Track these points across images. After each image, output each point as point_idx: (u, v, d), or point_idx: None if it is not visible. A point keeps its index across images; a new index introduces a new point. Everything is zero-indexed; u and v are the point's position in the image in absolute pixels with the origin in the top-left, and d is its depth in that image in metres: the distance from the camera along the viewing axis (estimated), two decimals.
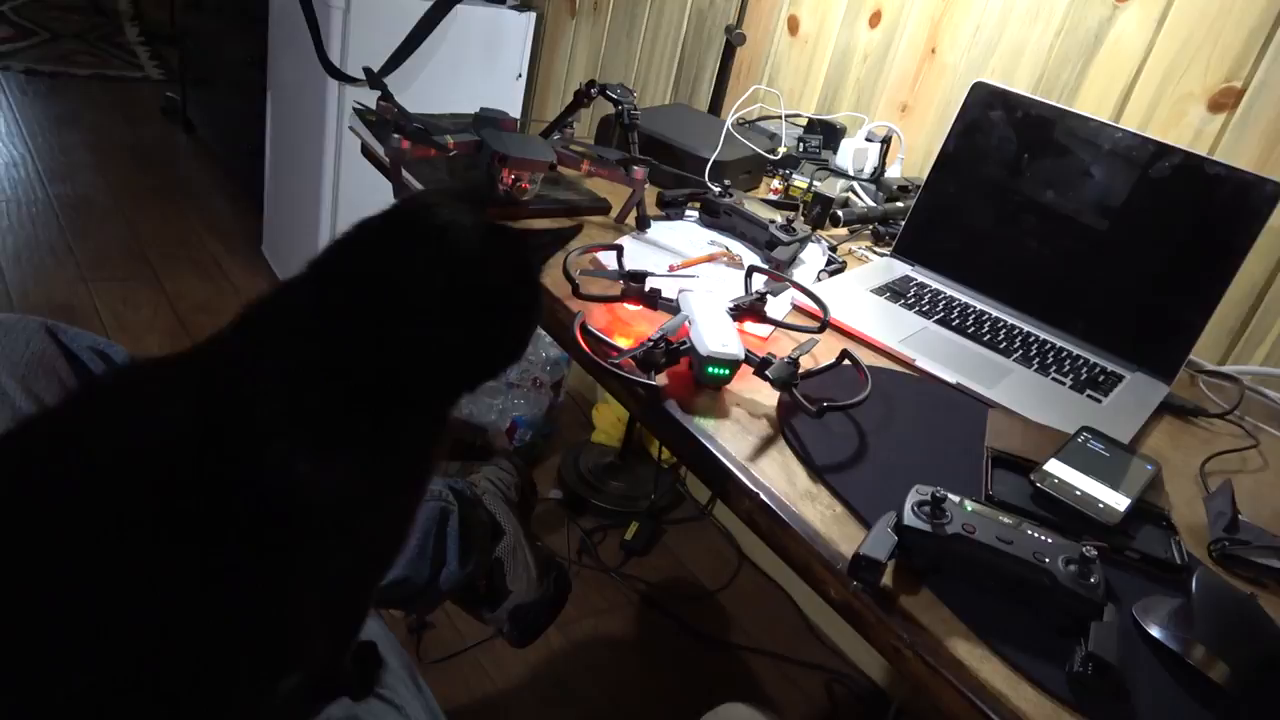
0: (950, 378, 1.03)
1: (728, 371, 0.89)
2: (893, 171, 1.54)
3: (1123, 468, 0.89)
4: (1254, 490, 0.97)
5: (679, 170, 1.36)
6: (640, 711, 1.63)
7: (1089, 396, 1.06)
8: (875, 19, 1.64)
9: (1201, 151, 1.24)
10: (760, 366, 0.89)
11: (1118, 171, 1.17)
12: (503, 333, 0.64)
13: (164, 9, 3.27)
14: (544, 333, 0.99)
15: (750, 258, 1.21)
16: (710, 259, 1.18)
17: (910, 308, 1.17)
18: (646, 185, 1.21)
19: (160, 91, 3.54)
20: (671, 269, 1.13)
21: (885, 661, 0.80)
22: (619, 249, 1.05)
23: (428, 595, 0.95)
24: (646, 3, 2.11)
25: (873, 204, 1.44)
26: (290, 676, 0.58)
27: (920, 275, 1.27)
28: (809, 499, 0.79)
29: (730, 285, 1.10)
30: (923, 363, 1.04)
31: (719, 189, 1.30)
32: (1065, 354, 1.14)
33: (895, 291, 1.20)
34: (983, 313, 1.20)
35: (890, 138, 1.51)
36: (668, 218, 1.28)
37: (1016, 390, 1.03)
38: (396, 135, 1.08)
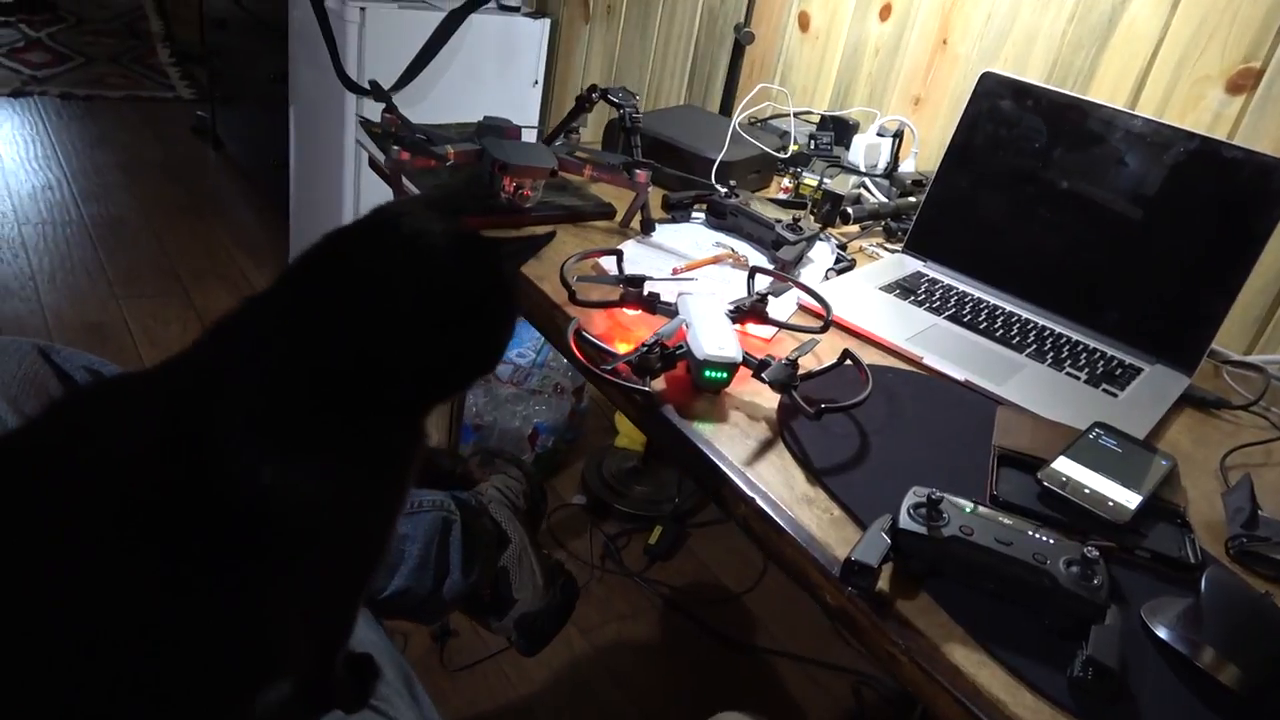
0: (959, 375, 1.01)
1: (726, 375, 0.88)
2: (907, 166, 1.52)
3: (1136, 464, 0.87)
4: (1277, 484, 0.94)
5: (685, 172, 1.35)
6: (664, 716, 1.62)
7: (1105, 391, 1.03)
8: (886, 12, 1.62)
9: (1221, 135, 1.22)
10: (759, 369, 0.88)
11: (1133, 159, 1.14)
12: (474, 341, 0.63)
13: (194, 29, 3.33)
14: None
15: (757, 258, 1.20)
16: (715, 261, 1.17)
17: (920, 304, 1.15)
18: (651, 188, 1.21)
19: (191, 110, 3.60)
20: (676, 272, 1.12)
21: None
22: (619, 254, 1.04)
23: (432, 606, 0.95)
24: (659, 4, 2.11)
25: (885, 200, 1.42)
26: (273, 686, 0.59)
27: (932, 271, 1.25)
28: (806, 503, 0.78)
29: (734, 287, 1.09)
30: (931, 360, 1.02)
31: (725, 190, 1.29)
32: (1081, 348, 1.11)
33: (905, 288, 1.18)
34: (996, 307, 1.17)
35: (902, 132, 1.49)
36: (673, 220, 1.27)
37: (1028, 386, 1.01)
38: (396, 147, 1.08)
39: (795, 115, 1.60)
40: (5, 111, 3.38)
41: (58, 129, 3.32)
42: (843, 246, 1.28)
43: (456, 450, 1.44)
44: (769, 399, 0.90)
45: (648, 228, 1.21)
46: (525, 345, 2.03)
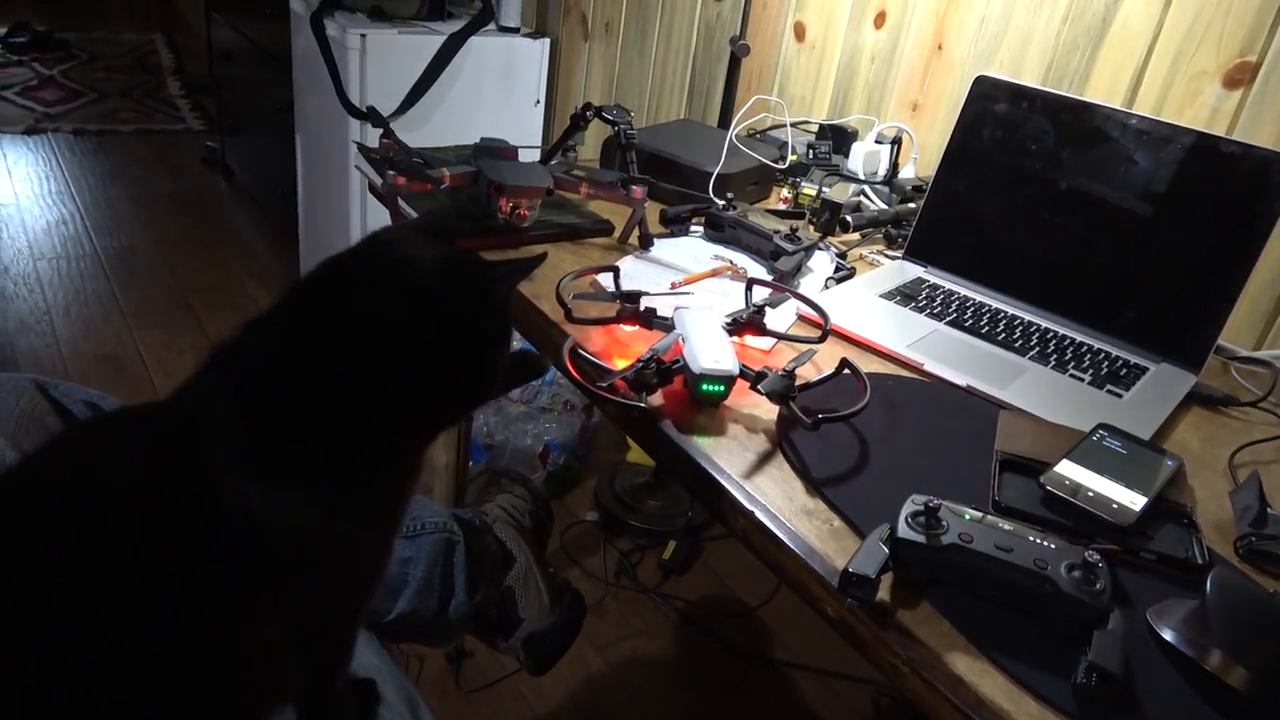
0: (960, 380, 1.00)
1: (723, 388, 0.88)
2: (906, 172, 1.52)
3: (1141, 465, 0.86)
4: None
5: (683, 186, 1.36)
6: None
7: (1109, 392, 1.02)
8: (880, 19, 1.62)
9: (1220, 130, 1.21)
10: (756, 380, 0.88)
11: (1131, 157, 1.13)
12: (466, 364, 0.64)
13: (204, 62, 3.37)
14: None
15: (756, 270, 1.20)
16: (714, 274, 1.17)
17: (921, 310, 1.14)
18: (649, 203, 1.21)
19: (201, 141, 3.65)
20: (674, 286, 1.12)
21: None
22: (615, 270, 1.04)
23: (439, 628, 0.95)
24: (656, 21, 2.12)
25: (885, 206, 1.41)
26: (272, 713, 0.59)
27: (933, 276, 1.24)
28: (806, 515, 0.77)
29: (733, 299, 1.09)
30: (931, 366, 1.02)
31: (723, 203, 1.29)
32: (1085, 349, 1.11)
33: (906, 295, 1.17)
34: (998, 311, 1.17)
35: (900, 138, 1.49)
36: (672, 235, 1.28)
37: (1031, 389, 1.00)
38: (391, 171, 1.09)
39: (793, 125, 1.60)
40: (20, 149, 3.43)
41: (71, 164, 3.37)
42: (842, 255, 1.28)
43: (466, 470, 1.45)
44: (768, 411, 0.90)
45: (646, 243, 1.22)
46: None
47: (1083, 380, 1.04)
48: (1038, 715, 0.61)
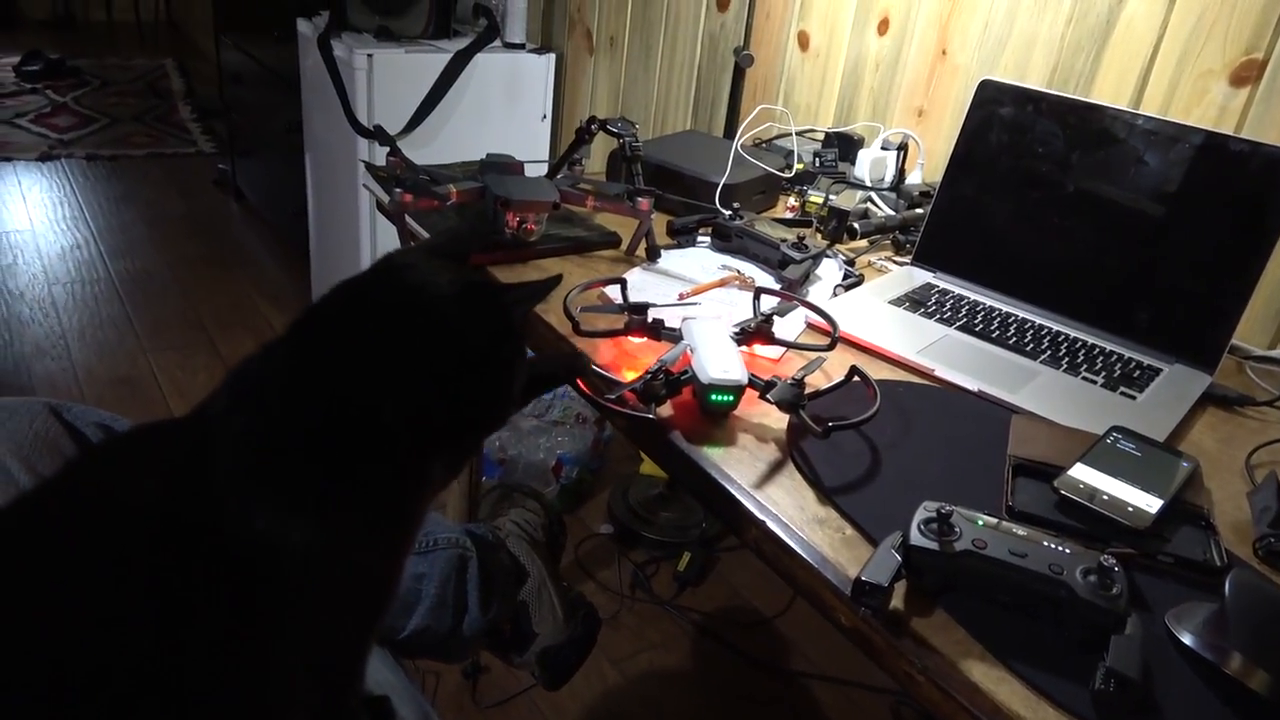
0: (971, 385, 1.00)
1: (732, 398, 0.88)
2: (914, 178, 1.51)
3: (1156, 467, 0.85)
4: None
5: (689, 197, 1.36)
6: None
7: (1122, 394, 1.02)
8: (883, 26, 1.62)
9: (1228, 129, 1.20)
10: (765, 389, 0.88)
11: (1139, 158, 1.12)
12: (482, 389, 0.64)
13: (214, 85, 3.41)
14: None
15: (764, 279, 1.20)
16: (722, 284, 1.17)
17: (930, 316, 1.14)
18: (656, 215, 1.21)
19: (212, 164, 3.68)
20: (682, 297, 1.12)
21: None
22: (622, 282, 1.04)
23: (453, 644, 0.95)
24: (660, 33, 2.12)
25: (892, 212, 1.41)
26: None
27: (942, 282, 1.24)
28: (818, 523, 0.77)
29: (742, 309, 1.09)
30: (942, 372, 1.01)
31: (729, 212, 1.29)
32: (1097, 351, 1.10)
33: (915, 300, 1.17)
34: (1008, 315, 1.16)
35: (906, 144, 1.49)
36: (679, 245, 1.28)
37: (1043, 393, 0.99)
38: (398, 189, 1.09)
39: (799, 134, 1.61)
40: (34, 175, 3.47)
41: (84, 189, 3.40)
42: (850, 262, 1.28)
43: (478, 485, 1.45)
44: (778, 420, 0.89)
45: (653, 254, 1.22)
46: None
47: (1095, 383, 1.03)
48: None
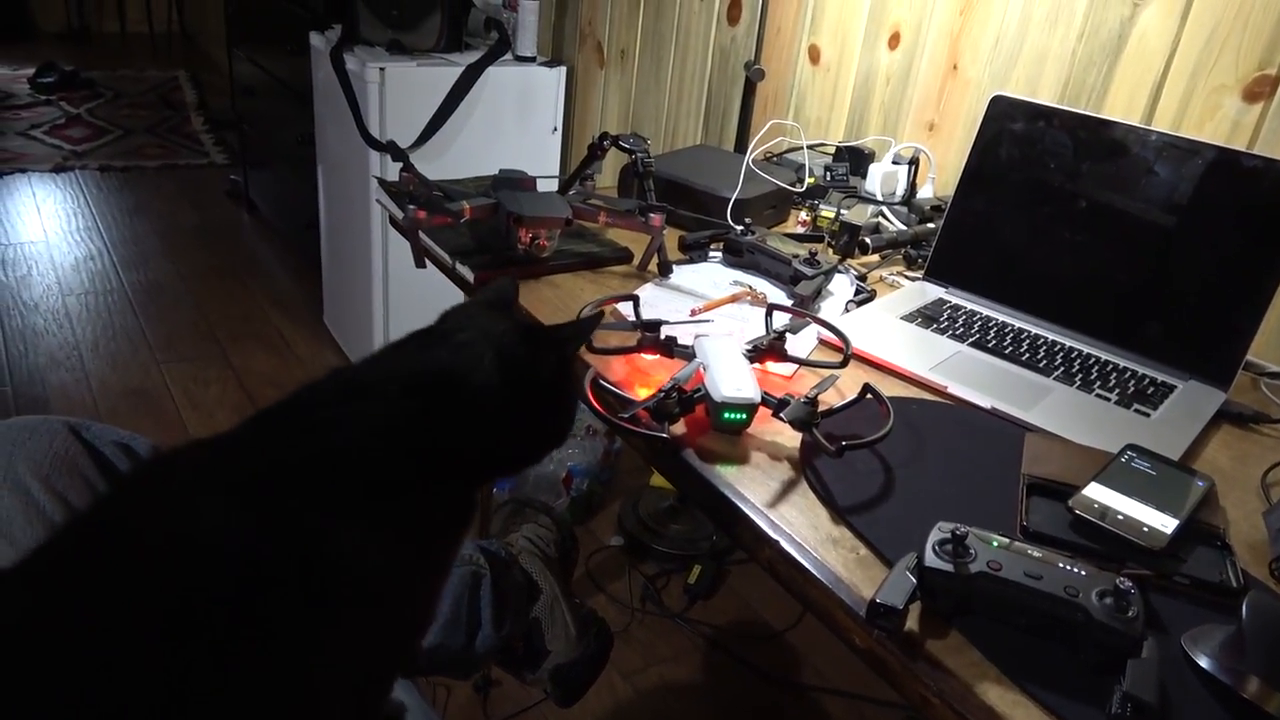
0: (985, 403, 0.99)
1: (745, 416, 0.88)
2: (925, 192, 1.51)
3: (1171, 486, 0.85)
4: None
5: (701, 212, 1.36)
6: None
7: (1136, 411, 1.01)
8: (894, 40, 1.63)
9: (1241, 144, 1.20)
10: (778, 408, 0.88)
11: (1152, 173, 1.12)
12: (547, 424, 0.73)
13: (226, 96, 3.43)
14: None
15: (776, 295, 1.20)
16: (734, 299, 1.17)
17: (943, 332, 1.14)
18: (668, 230, 1.21)
19: (225, 175, 3.70)
20: (694, 313, 1.13)
21: None
22: (635, 299, 1.05)
23: (465, 661, 0.95)
24: (671, 47, 2.13)
25: (904, 227, 1.41)
26: None
27: (954, 297, 1.24)
28: (831, 543, 0.77)
29: (754, 325, 1.09)
30: (955, 389, 1.01)
31: (741, 227, 1.29)
32: (1110, 368, 1.09)
33: (927, 316, 1.17)
34: (1021, 331, 1.16)
35: (917, 159, 1.49)
36: (691, 261, 1.28)
37: (1057, 411, 0.99)
38: (411, 206, 1.10)
39: (810, 148, 1.61)
40: (48, 187, 3.49)
41: (97, 201, 3.42)
42: (862, 277, 1.28)
43: (490, 500, 1.45)
44: (791, 438, 0.89)
45: (665, 270, 1.22)
46: None
47: (1109, 400, 1.03)
48: None
